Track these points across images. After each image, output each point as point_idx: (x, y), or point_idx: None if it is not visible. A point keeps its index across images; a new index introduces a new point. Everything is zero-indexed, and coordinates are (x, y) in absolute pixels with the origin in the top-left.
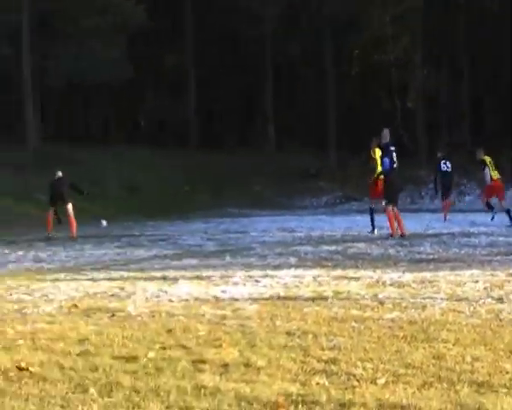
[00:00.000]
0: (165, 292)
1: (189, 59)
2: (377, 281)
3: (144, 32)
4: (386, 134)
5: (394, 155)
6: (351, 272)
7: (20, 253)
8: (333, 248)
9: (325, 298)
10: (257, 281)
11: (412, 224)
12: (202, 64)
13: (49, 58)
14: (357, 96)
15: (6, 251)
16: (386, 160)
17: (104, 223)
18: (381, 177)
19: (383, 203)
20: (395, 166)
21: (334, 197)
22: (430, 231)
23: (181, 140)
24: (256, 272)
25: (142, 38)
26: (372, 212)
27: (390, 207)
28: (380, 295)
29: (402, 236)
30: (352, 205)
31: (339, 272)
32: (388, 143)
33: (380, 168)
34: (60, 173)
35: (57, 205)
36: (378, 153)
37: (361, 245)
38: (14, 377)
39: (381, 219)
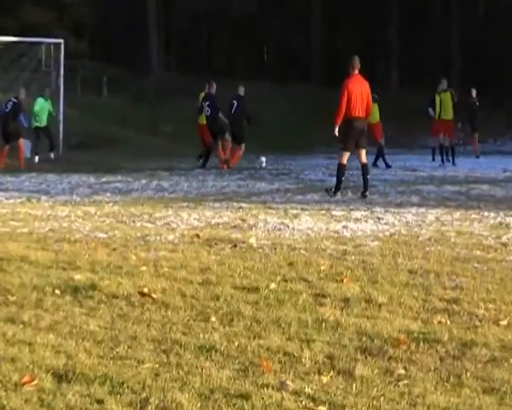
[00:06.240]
0: (287, 226)
1: None
2: (500, 223)
3: None
4: None
5: None
6: (474, 214)
7: (144, 181)
8: (456, 188)
9: (448, 238)
10: (379, 218)
11: None
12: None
13: None
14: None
15: (129, 179)
16: None
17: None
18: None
19: None
20: None
21: (458, 138)
22: None
23: (305, 76)
24: (378, 209)
25: None
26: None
27: None
28: (503, 237)
29: None
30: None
31: (461, 212)
32: None
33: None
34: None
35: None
36: None
37: (484, 187)
38: (137, 303)
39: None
